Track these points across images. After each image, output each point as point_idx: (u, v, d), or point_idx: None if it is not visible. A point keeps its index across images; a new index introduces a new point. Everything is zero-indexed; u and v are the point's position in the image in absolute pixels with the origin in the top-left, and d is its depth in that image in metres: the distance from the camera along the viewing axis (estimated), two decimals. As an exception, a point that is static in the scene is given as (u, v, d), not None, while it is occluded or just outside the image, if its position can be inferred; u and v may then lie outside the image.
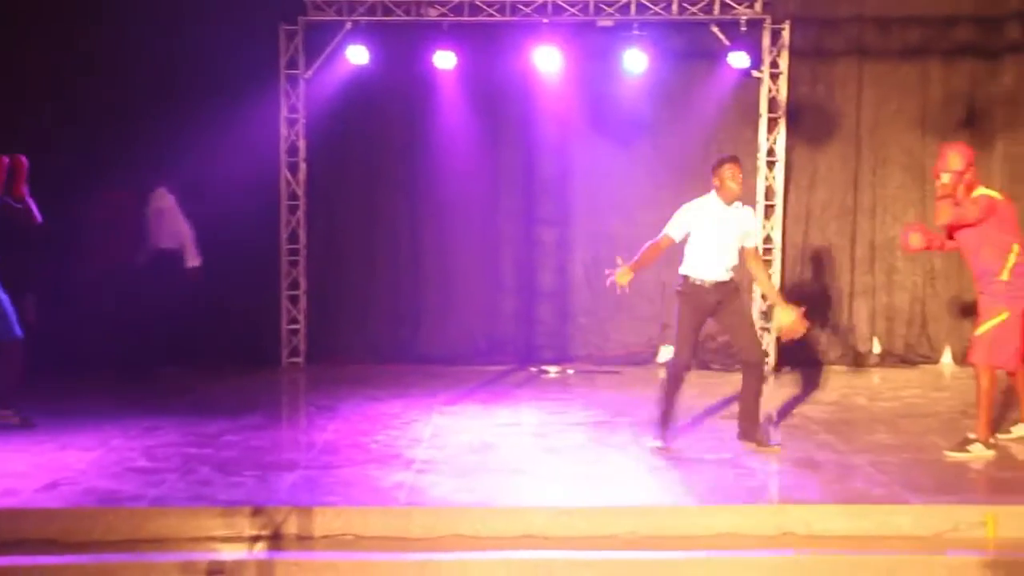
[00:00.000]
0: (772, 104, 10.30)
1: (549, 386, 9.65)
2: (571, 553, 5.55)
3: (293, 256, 10.46)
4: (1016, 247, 6.73)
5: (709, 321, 7.22)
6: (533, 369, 10.26)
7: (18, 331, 7.53)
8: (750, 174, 10.36)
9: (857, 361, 10.46)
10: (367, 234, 10.48)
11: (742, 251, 7.12)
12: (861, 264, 10.55)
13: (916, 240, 7.08)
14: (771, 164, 10.36)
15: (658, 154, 10.47)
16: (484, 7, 10.02)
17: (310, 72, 10.28)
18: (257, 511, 5.76)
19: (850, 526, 5.81)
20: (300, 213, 10.42)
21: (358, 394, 8.95)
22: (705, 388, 9.25)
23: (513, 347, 10.56)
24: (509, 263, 10.65)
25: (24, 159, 7.45)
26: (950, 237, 7.06)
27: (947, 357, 10.53)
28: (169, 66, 9.92)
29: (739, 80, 10.29)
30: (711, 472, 6.61)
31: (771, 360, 10.21)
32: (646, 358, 10.49)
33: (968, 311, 10.12)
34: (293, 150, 10.40)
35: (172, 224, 9.67)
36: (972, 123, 10.29)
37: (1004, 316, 6.71)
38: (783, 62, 10.24)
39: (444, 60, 9.88)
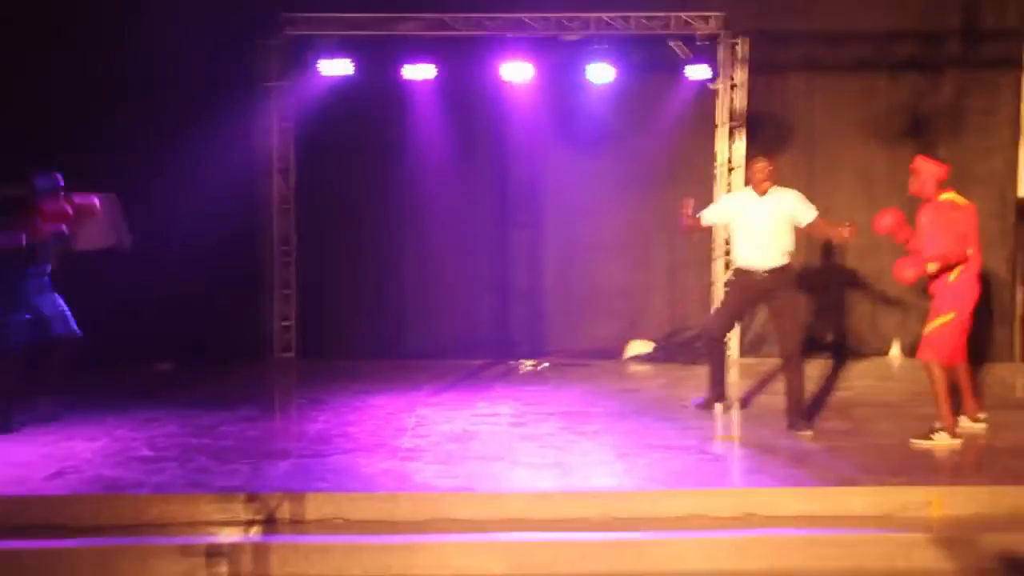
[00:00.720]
0: (730, 115, 10.34)
1: (525, 379, 9.66)
2: (547, 535, 5.55)
3: (285, 257, 10.40)
4: (970, 252, 6.75)
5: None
6: (510, 363, 10.25)
7: (75, 326, 7.48)
8: (709, 180, 10.48)
9: (813, 353, 10.49)
10: (353, 236, 10.44)
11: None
12: (815, 263, 10.61)
13: (887, 222, 7.06)
14: (729, 172, 10.39)
15: (622, 161, 10.48)
16: (455, 22, 9.97)
17: (289, 85, 10.18)
18: (252, 497, 5.75)
19: (807, 507, 5.84)
20: (291, 217, 10.38)
21: (346, 387, 8.93)
22: (672, 379, 9.32)
23: (491, 343, 10.53)
24: (486, 264, 10.64)
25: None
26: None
27: (895, 350, 10.61)
28: (162, 81, 9.76)
29: (698, 91, 10.32)
30: (678, 457, 6.62)
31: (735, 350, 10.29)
32: (614, 352, 10.50)
33: (914, 308, 10.23)
34: (283, 157, 10.35)
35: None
36: (915, 133, 10.35)
37: (951, 316, 6.73)
38: (740, 75, 10.28)
39: (416, 72, 9.84)
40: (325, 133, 10.19)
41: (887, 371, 10.02)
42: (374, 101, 10.18)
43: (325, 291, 10.43)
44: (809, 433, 7.10)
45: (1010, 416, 7.80)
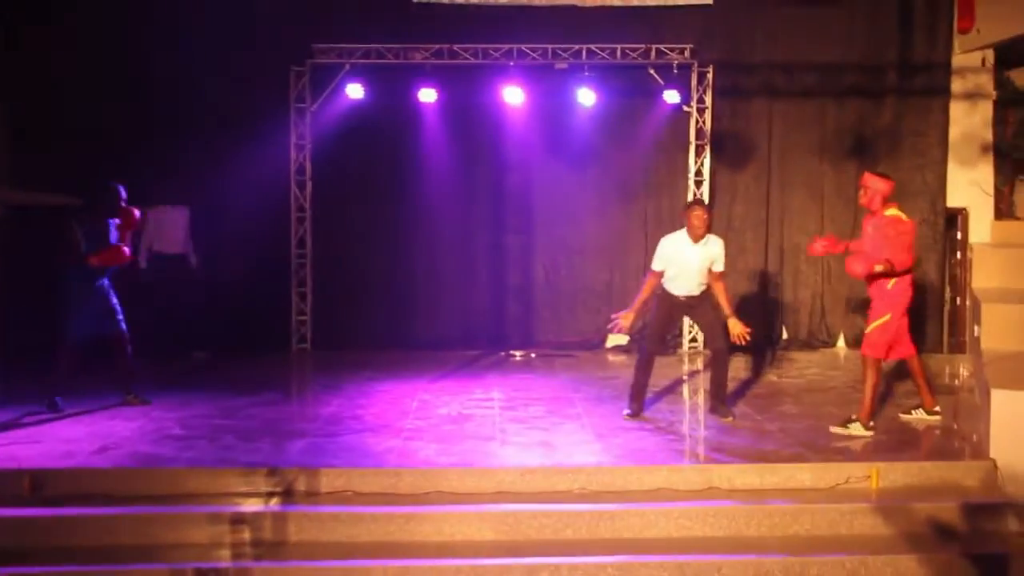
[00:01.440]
0: (699, 134, 10.36)
1: (515, 367, 9.65)
2: (533, 506, 5.57)
3: (301, 259, 10.40)
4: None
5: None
6: (502, 353, 10.24)
7: (124, 326, 7.43)
8: (681, 192, 10.50)
9: (769, 345, 10.55)
10: (363, 240, 10.42)
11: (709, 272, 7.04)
12: (772, 265, 10.65)
13: (819, 248, 7.10)
14: (699, 183, 10.42)
15: (605, 174, 10.50)
16: (460, 52, 10.02)
17: (315, 105, 10.23)
18: (272, 471, 5.76)
19: (763, 481, 5.88)
20: (307, 223, 10.37)
21: (356, 374, 8.91)
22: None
23: (485, 335, 10.52)
24: (482, 264, 10.63)
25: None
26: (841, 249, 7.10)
27: (841, 342, 10.65)
28: (196, 102, 9.82)
29: (672, 113, 10.33)
30: (649, 437, 6.64)
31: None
32: (596, 344, 10.52)
33: (858, 305, 10.28)
34: (301, 170, 10.35)
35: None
36: (860, 152, 10.38)
37: (888, 318, 6.69)
38: (708, 99, 10.30)
39: (427, 95, 9.86)
40: (341, 149, 10.20)
41: (834, 361, 10.05)
42: (386, 121, 10.20)
43: (338, 289, 10.41)
44: (730, 418, 7.04)
45: (938, 401, 7.83)
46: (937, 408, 7.13)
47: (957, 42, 10.28)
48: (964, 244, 10.48)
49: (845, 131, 10.46)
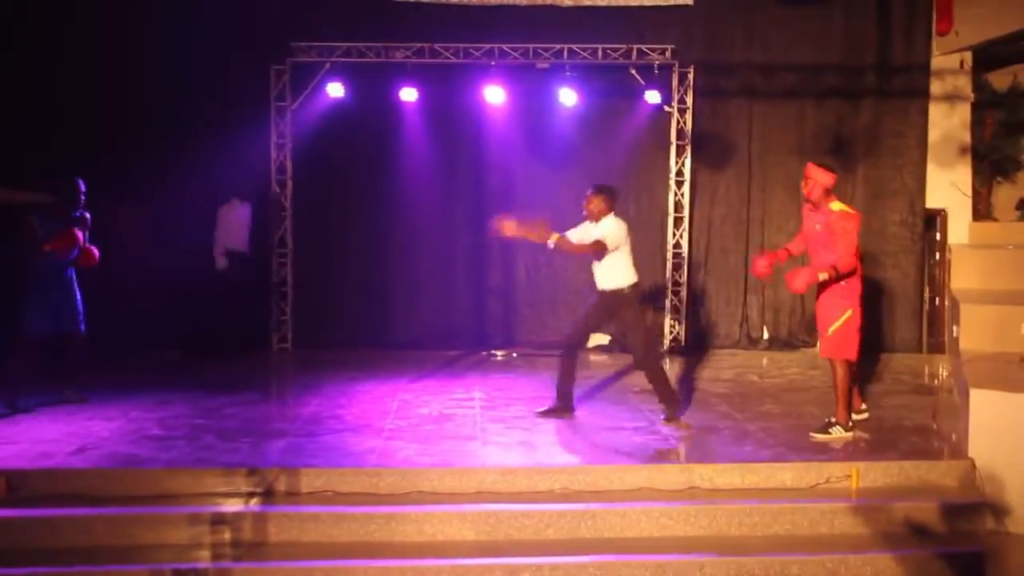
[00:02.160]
0: (680, 134, 10.40)
1: (497, 367, 9.64)
2: (515, 506, 5.58)
3: (282, 258, 10.36)
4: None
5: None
6: (483, 353, 10.24)
7: (83, 326, 7.41)
8: (662, 192, 10.54)
9: (750, 345, 10.61)
10: (344, 240, 10.39)
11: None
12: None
13: (762, 266, 6.90)
14: (679, 183, 10.45)
15: (586, 174, 10.36)
16: (442, 51, 10.00)
17: (296, 104, 10.19)
18: (252, 472, 5.73)
19: (743, 480, 5.91)
20: (287, 222, 10.33)
21: (337, 374, 8.88)
22: (625, 368, 9.34)
23: (466, 335, 10.51)
24: (462, 264, 10.61)
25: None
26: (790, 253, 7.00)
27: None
28: (177, 100, 9.76)
29: (653, 114, 10.36)
30: (630, 437, 6.65)
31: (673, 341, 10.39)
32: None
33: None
34: (282, 169, 10.31)
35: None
36: (838, 152, 10.42)
37: (849, 313, 6.58)
38: (689, 99, 10.34)
39: (408, 94, 9.84)
40: (322, 148, 10.17)
41: (814, 361, 10.05)
42: (367, 120, 10.17)
43: (318, 288, 10.38)
44: (684, 424, 6.91)
45: (916, 400, 7.93)
46: (864, 406, 7.10)
47: (935, 44, 10.38)
48: (943, 245, 10.57)
49: (824, 132, 10.51)
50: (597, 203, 7.00)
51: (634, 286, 6.98)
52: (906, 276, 10.46)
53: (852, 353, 6.63)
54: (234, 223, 9.80)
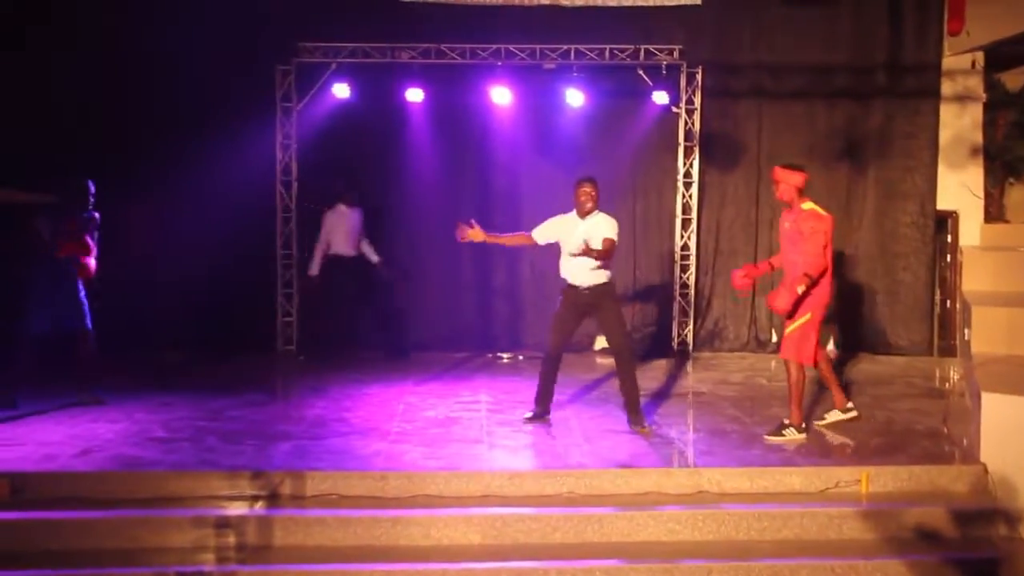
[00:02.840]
0: (688, 135, 10.39)
1: (503, 369, 9.64)
2: (521, 509, 5.57)
3: (287, 260, 10.36)
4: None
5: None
6: (489, 355, 10.24)
7: (89, 323, 7.41)
8: (670, 193, 10.53)
9: (759, 348, 10.58)
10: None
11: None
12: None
13: (740, 280, 6.91)
14: (687, 185, 10.44)
15: (593, 174, 10.43)
16: (448, 51, 10.01)
17: (301, 105, 10.20)
18: (257, 475, 5.74)
19: (752, 484, 5.90)
20: (293, 224, 10.34)
21: (342, 377, 8.89)
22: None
23: (472, 337, 10.50)
24: (468, 265, 10.60)
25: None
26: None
27: (831, 345, 10.64)
28: (184, 99, 9.78)
29: (660, 114, 10.35)
30: (637, 440, 6.64)
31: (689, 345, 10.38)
32: (584, 346, 10.49)
33: (850, 309, 10.32)
34: (287, 170, 10.32)
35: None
36: (849, 153, 10.43)
37: (808, 317, 6.57)
38: (697, 100, 10.33)
39: (414, 95, 9.85)
40: (327, 149, 10.16)
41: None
42: (373, 121, 10.18)
43: (323, 291, 10.37)
44: (646, 429, 6.78)
45: (928, 404, 7.90)
46: (850, 404, 7.09)
47: (947, 44, 10.34)
48: (954, 247, 10.54)
49: (835, 133, 10.48)
50: (596, 194, 6.88)
51: (612, 279, 6.95)
52: (917, 278, 10.42)
53: (808, 358, 6.64)
54: (343, 229, 9.68)
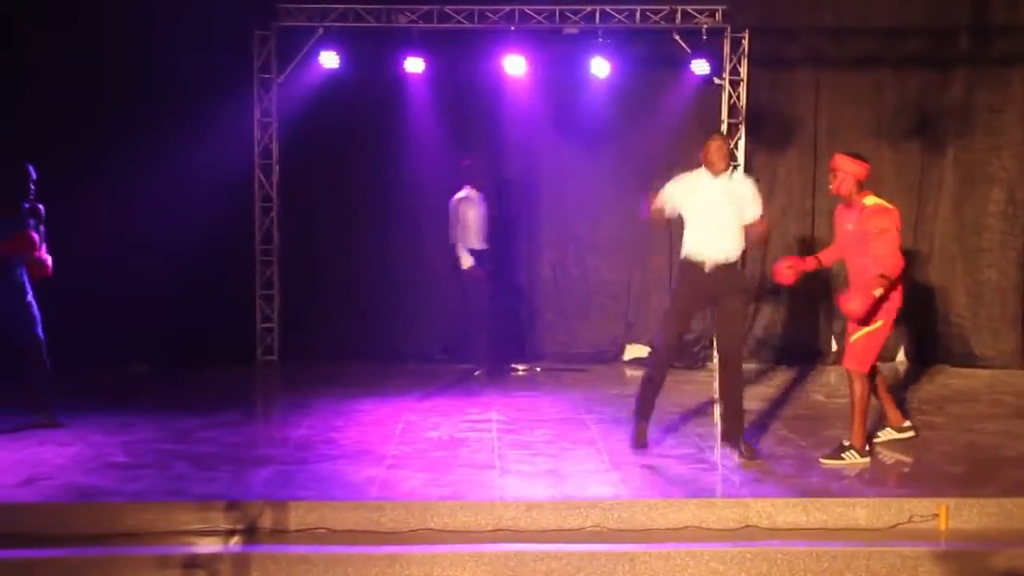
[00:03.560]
0: (732, 110, 10.38)
1: (517, 383, 9.65)
2: (539, 546, 5.54)
3: (267, 256, 10.41)
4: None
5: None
6: (501, 367, 10.20)
7: (40, 334, 7.43)
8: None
9: (815, 359, 10.52)
10: (339, 235, 10.42)
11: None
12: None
13: (785, 273, 6.89)
14: (732, 168, 10.37)
15: (622, 158, 10.48)
16: (453, 14, 10.02)
17: (283, 76, 10.24)
18: (232, 505, 5.74)
19: (809, 518, 5.86)
20: (273, 214, 10.38)
21: (331, 391, 8.91)
22: (670, 385, 9.25)
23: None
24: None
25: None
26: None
27: (901, 355, 10.61)
28: (144, 70, 9.82)
29: (700, 86, 10.34)
30: (675, 466, 6.63)
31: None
32: (612, 356, 10.50)
33: (923, 314, 10.25)
34: (266, 152, 10.36)
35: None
36: (924, 130, 10.38)
37: (879, 325, 6.62)
38: (743, 70, 10.32)
39: (414, 65, 9.86)
40: (313, 128, 10.20)
41: (893, 377, 9.97)
42: (367, 95, 10.20)
43: (309, 291, 10.41)
44: (757, 461, 6.69)
45: (1018, 426, 7.84)
46: (907, 423, 7.15)
47: (1044, 3, 10.29)
48: (1049, 240, 10.47)
49: (906, 107, 10.44)
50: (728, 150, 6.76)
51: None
52: (1005, 277, 10.36)
53: (865, 366, 6.70)
54: (474, 218, 9.56)
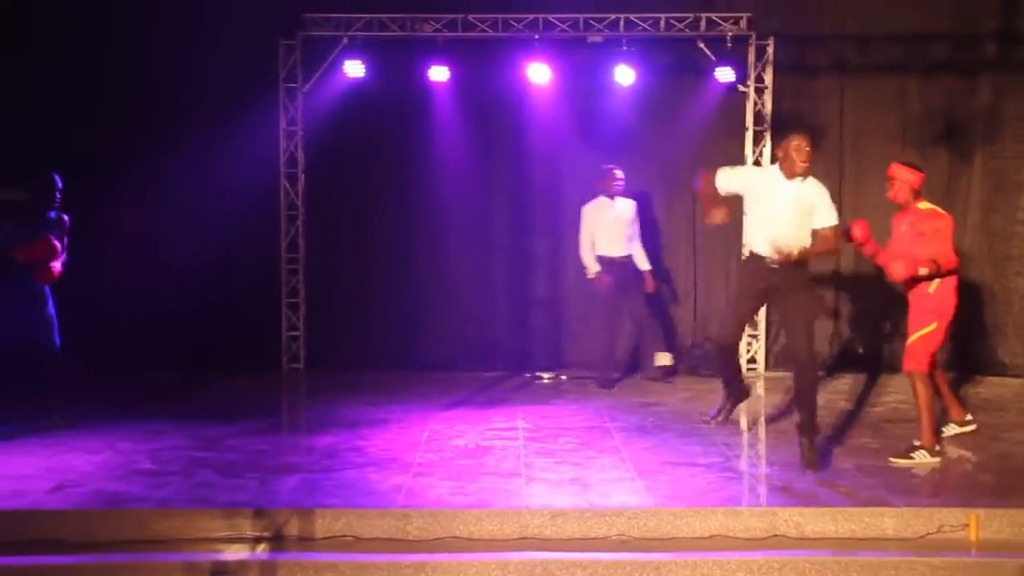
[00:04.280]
0: (758, 118, 10.33)
1: (543, 392, 9.62)
2: (564, 554, 5.53)
3: (292, 265, 10.44)
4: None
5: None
6: (527, 375, 10.23)
7: (56, 341, 7.50)
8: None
9: (844, 365, 10.44)
10: (364, 243, 10.45)
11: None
12: (846, 271, 10.55)
13: (859, 232, 7.04)
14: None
15: (647, 165, 10.46)
16: (477, 23, 10.03)
17: (308, 86, 10.27)
18: (259, 513, 5.75)
19: (838, 528, 5.82)
20: (299, 223, 10.41)
21: (356, 399, 8.93)
22: (695, 393, 9.29)
23: (507, 354, 10.50)
24: (503, 271, 10.62)
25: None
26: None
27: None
28: (171, 80, 9.87)
29: (725, 94, 10.30)
30: (701, 475, 6.60)
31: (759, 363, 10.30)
32: (635, 364, 10.44)
33: (960, 320, 10.14)
34: (292, 161, 10.39)
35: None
36: (951, 138, 10.29)
37: (934, 327, 6.87)
38: (768, 77, 10.27)
39: (438, 74, 9.88)
40: (338, 137, 10.23)
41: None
42: (391, 104, 10.21)
43: (335, 300, 10.44)
44: (814, 461, 6.66)
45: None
46: (968, 416, 7.45)
47: (1074, 8, 10.20)
48: (1080, 248, 10.36)
49: (933, 114, 10.35)
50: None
51: None
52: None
53: (923, 365, 6.89)
54: (606, 223, 9.58)
